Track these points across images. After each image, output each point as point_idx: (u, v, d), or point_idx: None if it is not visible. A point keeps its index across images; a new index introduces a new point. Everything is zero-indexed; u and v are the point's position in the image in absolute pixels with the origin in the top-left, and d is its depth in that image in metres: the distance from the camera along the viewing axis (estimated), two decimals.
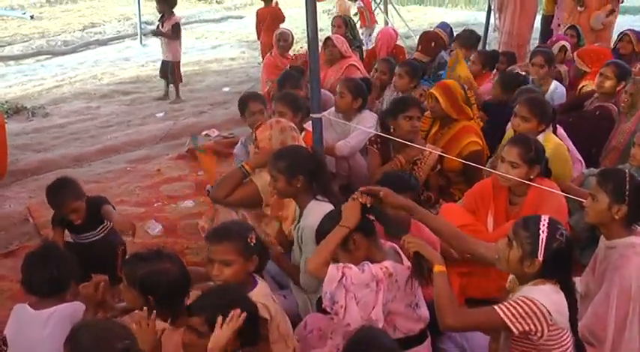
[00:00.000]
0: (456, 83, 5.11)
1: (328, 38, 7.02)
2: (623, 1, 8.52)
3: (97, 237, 4.07)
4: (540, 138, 4.26)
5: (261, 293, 2.97)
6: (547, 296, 2.61)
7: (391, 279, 2.87)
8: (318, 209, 3.48)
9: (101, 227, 4.08)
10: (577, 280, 3.46)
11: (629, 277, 2.98)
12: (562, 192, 3.77)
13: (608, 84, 5.43)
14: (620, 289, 2.99)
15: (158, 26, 9.18)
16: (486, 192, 3.86)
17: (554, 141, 4.40)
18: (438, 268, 2.79)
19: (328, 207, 3.49)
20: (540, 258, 2.66)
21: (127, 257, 2.97)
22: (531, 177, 3.67)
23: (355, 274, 2.83)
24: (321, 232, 3.05)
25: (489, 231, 3.76)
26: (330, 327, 3.17)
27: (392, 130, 4.69)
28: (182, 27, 9.52)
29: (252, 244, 2.98)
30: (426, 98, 5.27)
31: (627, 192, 3.09)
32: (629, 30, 7.20)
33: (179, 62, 9.22)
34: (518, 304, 2.59)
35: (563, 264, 2.69)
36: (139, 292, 2.80)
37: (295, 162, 3.55)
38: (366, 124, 5.06)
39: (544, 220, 2.72)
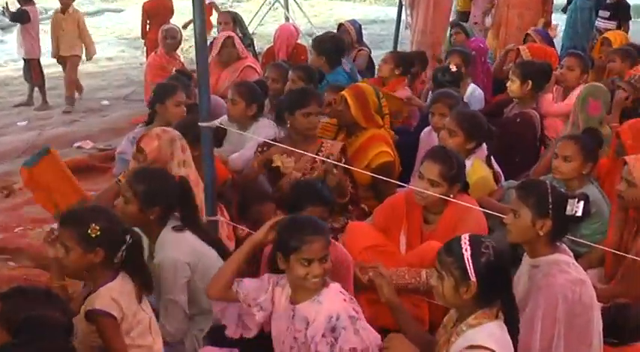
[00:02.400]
0: (372, 89, 5.16)
1: (230, 37, 7.00)
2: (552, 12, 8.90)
3: None
4: (468, 163, 4.34)
5: (116, 288, 3.02)
6: (492, 337, 2.70)
7: None
8: (174, 239, 3.44)
9: None
10: None
11: (555, 297, 3.07)
12: (480, 207, 3.86)
13: (513, 87, 5.69)
14: (545, 311, 3.07)
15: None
16: (398, 209, 3.90)
17: (481, 173, 4.49)
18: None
19: (187, 236, 3.47)
20: (473, 278, 2.73)
21: (7, 289, 2.81)
22: (451, 195, 3.75)
23: None
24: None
25: (402, 252, 3.80)
26: None
27: (288, 126, 4.70)
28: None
29: (93, 236, 2.99)
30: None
31: (550, 205, 3.19)
32: (532, 29, 7.60)
33: (37, 60, 8.90)
34: None
35: (499, 279, 2.78)
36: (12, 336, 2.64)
37: (156, 189, 3.47)
38: (264, 134, 5.04)
39: (464, 238, 2.80)
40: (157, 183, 3.52)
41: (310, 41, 10.49)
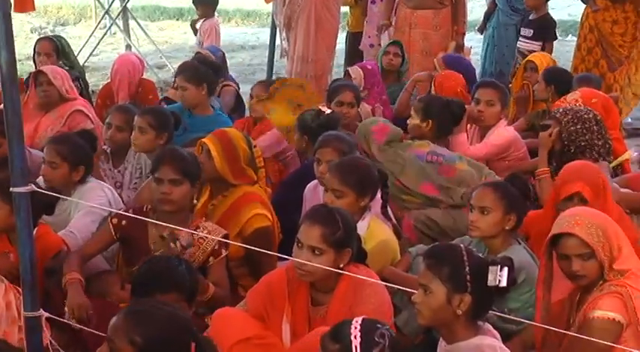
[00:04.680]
0: (241, 135, 5.19)
1: (40, 72, 6.87)
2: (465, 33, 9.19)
3: None
4: (363, 225, 4.45)
5: None
6: None
7: None
8: None
9: None
10: None
11: None
12: (383, 281, 3.93)
13: (411, 124, 5.95)
14: None
15: None
16: (278, 289, 3.89)
17: (381, 236, 4.58)
18: None
19: None
20: None
21: None
22: (341, 265, 3.76)
23: None
24: None
25: (285, 344, 3.81)
26: None
27: None
28: None
29: None
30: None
31: (468, 276, 3.29)
32: (438, 57, 7.87)
33: None
34: None
35: None
36: None
37: None
38: (93, 199, 5.00)
39: (355, 323, 2.88)
40: None
41: (158, 74, 10.44)
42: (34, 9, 12.22)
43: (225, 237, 4.63)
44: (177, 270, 3.85)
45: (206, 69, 6.94)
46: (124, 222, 4.71)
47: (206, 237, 4.55)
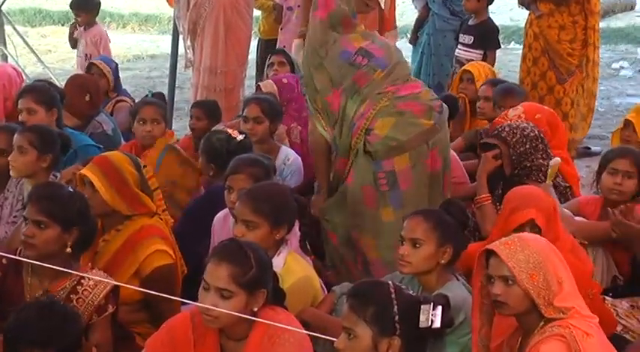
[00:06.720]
0: (124, 157, 5.13)
1: None
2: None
3: None
4: (279, 262, 4.48)
5: None
6: None
7: None
8: None
9: None
10: None
11: None
12: (303, 325, 3.96)
13: None
14: None
15: None
16: (183, 337, 3.87)
17: (300, 272, 4.61)
18: None
19: None
20: None
21: None
22: (254, 309, 3.78)
23: None
24: None
25: None
26: None
27: None
28: None
29: None
30: None
31: (397, 317, 3.36)
32: None
33: None
34: None
35: None
36: None
37: None
38: None
39: None
40: None
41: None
42: None
43: (115, 289, 4.49)
44: (48, 320, 3.79)
45: (57, 94, 6.86)
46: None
47: (90, 291, 4.44)
